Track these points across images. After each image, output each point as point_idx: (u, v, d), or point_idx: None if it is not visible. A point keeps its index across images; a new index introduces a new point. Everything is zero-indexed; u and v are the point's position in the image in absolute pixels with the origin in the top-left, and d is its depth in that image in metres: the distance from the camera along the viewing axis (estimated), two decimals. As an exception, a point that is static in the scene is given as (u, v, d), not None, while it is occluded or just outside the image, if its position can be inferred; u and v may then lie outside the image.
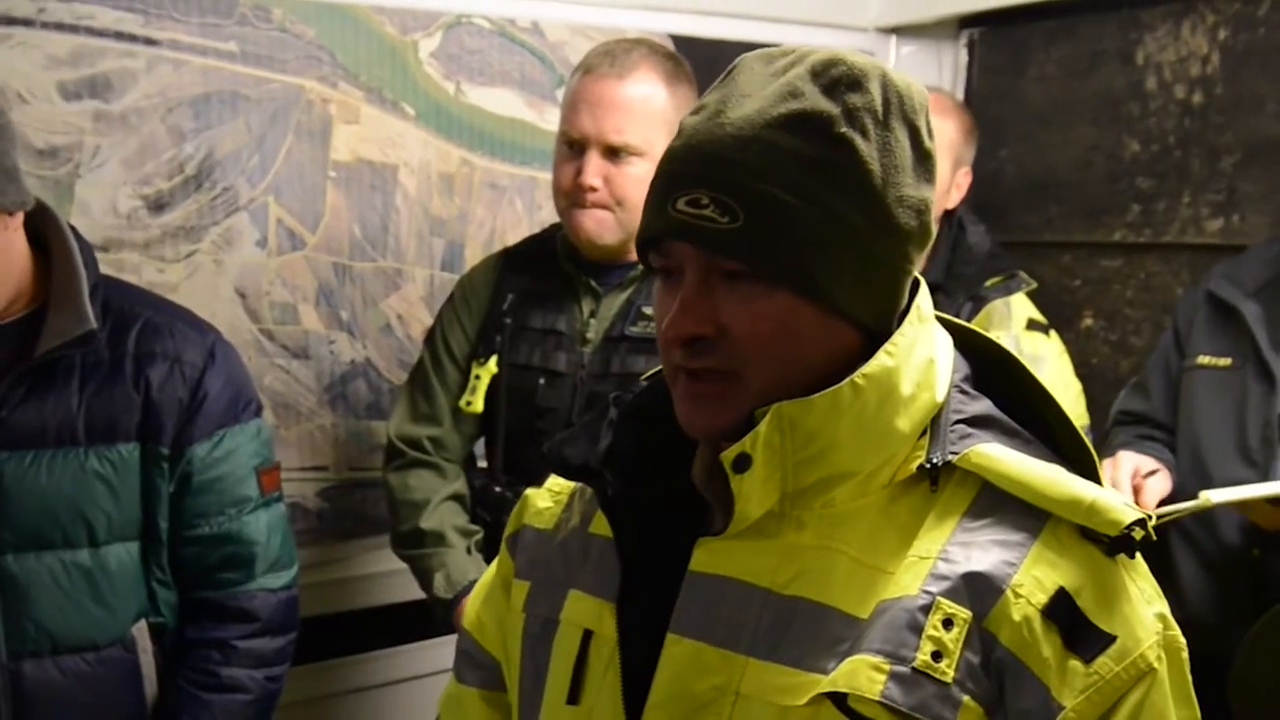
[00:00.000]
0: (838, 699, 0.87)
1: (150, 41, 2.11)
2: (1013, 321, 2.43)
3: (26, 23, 2.02)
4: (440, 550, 1.98)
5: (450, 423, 2.05)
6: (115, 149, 2.10)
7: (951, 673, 0.86)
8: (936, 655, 0.86)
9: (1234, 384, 2.07)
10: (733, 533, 0.94)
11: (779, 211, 0.89)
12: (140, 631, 1.63)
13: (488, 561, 1.98)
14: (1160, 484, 2.07)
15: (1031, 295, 2.52)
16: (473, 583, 1.93)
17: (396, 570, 2.09)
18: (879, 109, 0.92)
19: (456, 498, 2.05)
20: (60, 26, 2.04)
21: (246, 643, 1.67)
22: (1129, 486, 2.05)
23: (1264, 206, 2.49)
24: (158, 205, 2.16)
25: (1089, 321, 2.81)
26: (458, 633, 1.94)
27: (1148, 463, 2.10)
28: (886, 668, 0.86)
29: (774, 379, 0.92)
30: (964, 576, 0.88)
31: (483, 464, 2.12)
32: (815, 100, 0.90)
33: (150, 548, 1.63)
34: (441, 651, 2.38)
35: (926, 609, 0.87)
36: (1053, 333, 2.50)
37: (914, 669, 0.86)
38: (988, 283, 2.43)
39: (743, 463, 0.91)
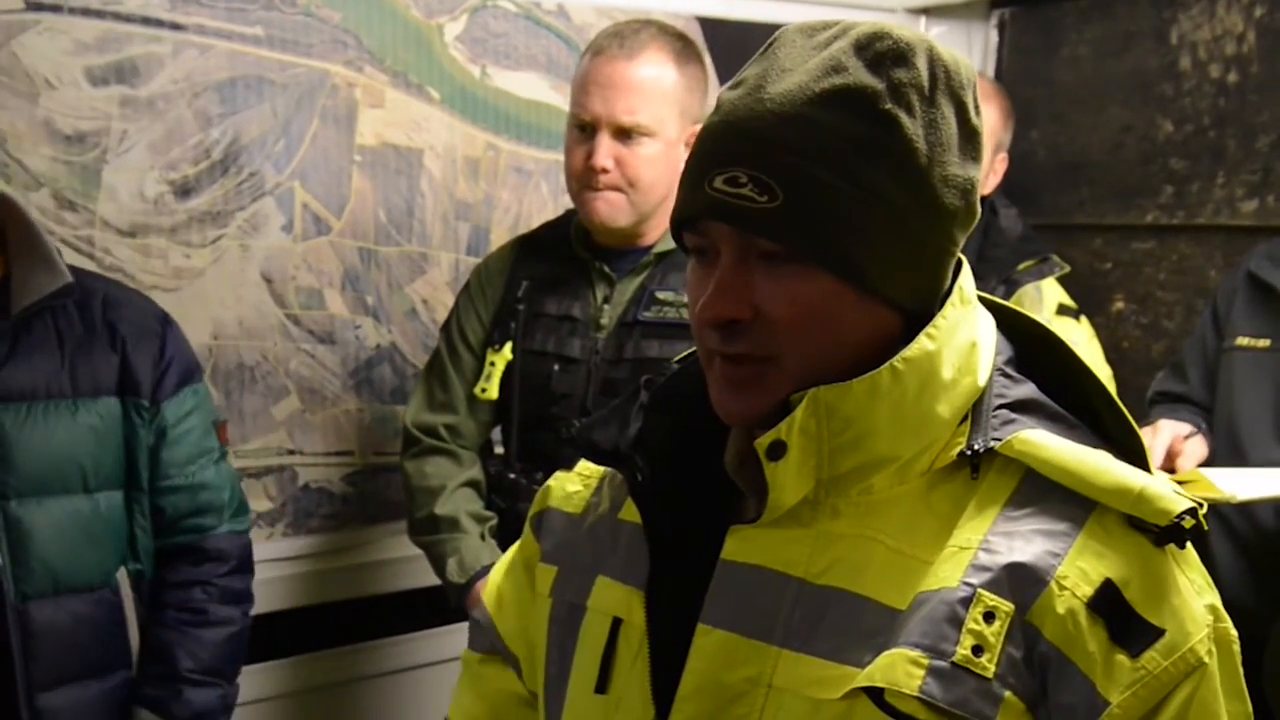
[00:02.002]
0: (874, 693, 0.84)
1: (176, 26, 2.12)
2: (1043, 306, 2.41)
3: (54, 8, 2.02)
4: (454, 536, 1.99)
5: (466, 410, 2.06)
6: (142, 134, 2.11)
7: (992, 667, 0.83)
8: (977, 649, 0.83)
9: (1272, 365, 2.05)
10: (766, 521, 0.92)
11: (819, 191, 0.86)
12: (122, 577, 1.74)
13: (501, 548, 1.99)
14: (1197, 447, 2.06)
15: (1062, 279, 2.50)
16: (486, 567, 1.94)
17: (421, 555, 2.09)
18: (925, 85, 0.89)
19: (472, 484, 2.05)
20: (87, 12, 2.05)
21: (224, 580, 1.81)
22: (1163, 453, 2.03)
23: (1300, 187, 2.45)
24: (184, 190, 2.16)
25: (1120, 305, 2.77)
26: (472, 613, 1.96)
27: (1185, 428, 2.09)
28: (925, 662, 0.83)
29: (811, 363, 0.89)
30: (1006, 568, 0.85)
31: (500, 450, 2.12)
32: (859, 75, 0.87)
33: (133, 496, 1.74)
34: (463, 637, 2.38)
35: (967, 601, 0.84)
36: (1083, 318, 2.48)
37: (953, 664, 0.83)
38: (1020, 266, 2.41)
39: (777, 450, 0.89)
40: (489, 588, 1.21)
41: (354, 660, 2.44)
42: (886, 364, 0.88)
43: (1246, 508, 2.00)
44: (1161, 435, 2.07)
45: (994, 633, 0.84)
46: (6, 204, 1.72)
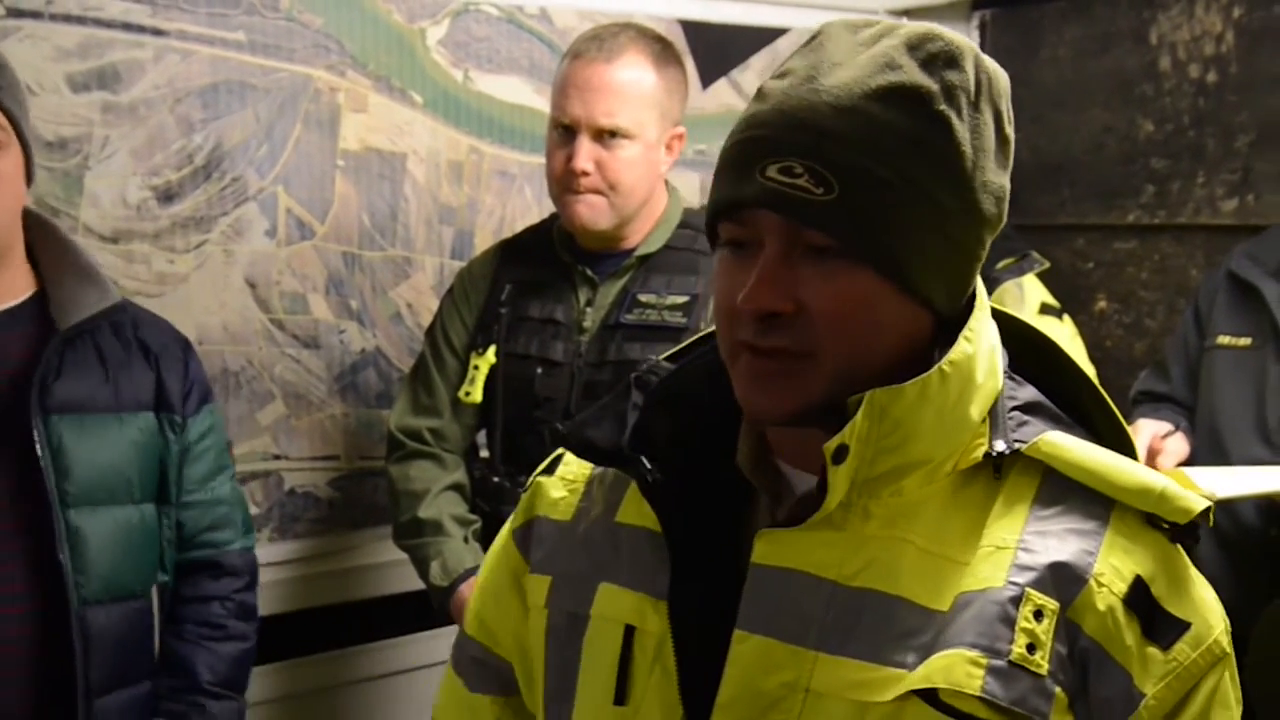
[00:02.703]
0: (927, 694, 0.84)
1: (158, 32, 2.11)
2: (1026, 305, 2.42)
3: (35, 15, 2.02)
4: (437, 539, 1.99)
5: (450, 414, 2.06)
6: (124, 140, 2.10)
7: (1045, 665, 0.85)
8: (1030, 648, 0.85)
9: (1254, 364, 2.06)
10: (810, 524, 0.91)
11: (874, 187, 0.85)
12: (154, 587, 1.77)
13: (485, 550, 1.98)
14: (1177, 445, 2.08)
15: (1045, 278, 2.51)
16: (469, 570, 1.94)
17: (407, 559, 2.09)
18: (972, 89, 0.89)
19: (456, 488, 2.05)
20: (68, 18, 2.04)
21: (240, 595, 1.84)
22: (1144, 452, 2.05)
23: (1279, 185, 2.47)
24: (167, 196, 2.16)
25: (1103, 304, 2.79)
26: (458, 625, 1.95)
27: (1164, 426, 2.11)
28: (984, 662, 0.84)
29: (848, 362, 0.88)
30: (1049, 567, 0.86)
31: (485, 454, 2.12)
32: (914, 74, 0.87)
33: (164, 509, 1.77)
34: (450, 642, 2.37)
35: (1017, 601, 0.85)
36: (1066, 317, 2.49)
37: (1010, 662, 0.84)
38: (1000, 264, 2.43)
39: (841, 454, 0.88)
40: (471, 619, 1.15)
41: (340, 665, 2.44)
42: (935, 367, 0.88)
43: (1229, 505, 2.01)
44: (1141, 435, 2.09)
45: (1044, 630, 0.85)
46: (38, 224, 1.74)
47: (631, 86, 1.87)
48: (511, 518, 1.12)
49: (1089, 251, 2.81)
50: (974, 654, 0.84)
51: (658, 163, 1.92)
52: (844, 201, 0.85)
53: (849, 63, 0.88)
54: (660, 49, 1.92)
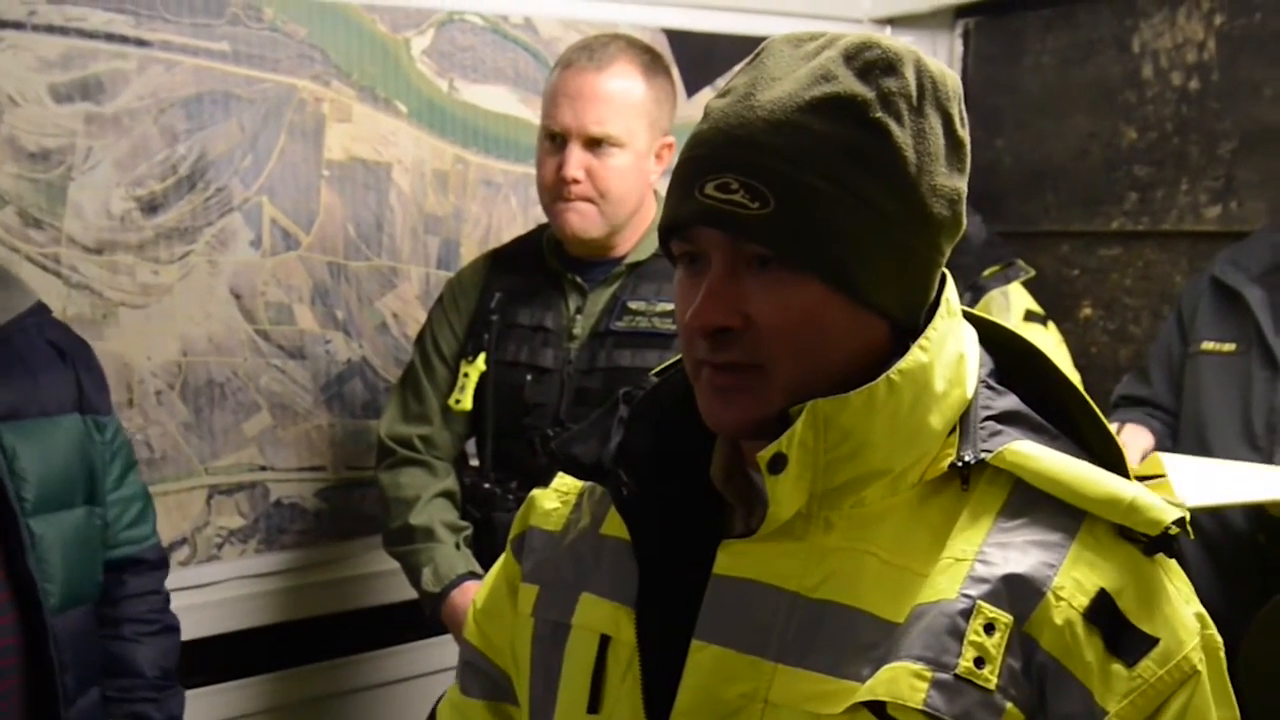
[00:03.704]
0: (876, 707, 0.84)
1: (141, 42, 2.10)
2: (1011, 313, 2.43)
3: (17, 25, 2.01)
4: (429, 546, 1.99)
5: (440, 421, 2.06)
6: (108, 151, 2.09)
7: (994, 679, 0.83)
8: (979, 661, 0.83)
9: (1238, 369, 2.07)
10: (761, 535, 0.91)
11: (810, 197, 0.86)
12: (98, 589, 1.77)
13: (477, 557, 1.99)
14: (1131, 436, 2.08)
15: (1029, 284, 2.52)
16: (461, 576, 1.94)
17: (396, 569, 2.09)
18: (913, 94, 0.89)
19: (447, 495, 2.05)
20: (51, 29, 2.03)
21: (163, 588, 1.87)
22: None
23: (1262, 192, 2.48)
24: (151, 207, 2.15)
25: (1088, 311, 2.80)
26: (450, 631, 1.95)
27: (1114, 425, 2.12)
28: (929, 675, 0.83)
29: (801, 373, 0.88)
30: (1003, 579, 0.85)
31: (475, 462, 2.11)
32: (849, 84, 0.87)
33: (94, 511, 1.76)
34: (440, 651, 2.38)
35: (967, 613, 0.84)
36: (1050, 324, 2.50)
37: (956, 676, 0.83)
38: (985, 272, 2.43)
39: (779, 463, 0.88)
40: (470, 625, 1.17)
41: (329, 676, 2.43)
42: (883, 376, 0.88)
43: (1217, 511, 2.02)
44: None
45: (995, 644, 0.84)
46: None
47: (622, 95, 1.88)
48: (512, 527, 1.15)
49: (1073, 258, 2.83)
50: (919, 666, 0.84)
51: (647, 171, 1.93)
52: (780, 213, 0.85)
53: (787, 77, 0.89)
54: (650, 59, 1.93)
